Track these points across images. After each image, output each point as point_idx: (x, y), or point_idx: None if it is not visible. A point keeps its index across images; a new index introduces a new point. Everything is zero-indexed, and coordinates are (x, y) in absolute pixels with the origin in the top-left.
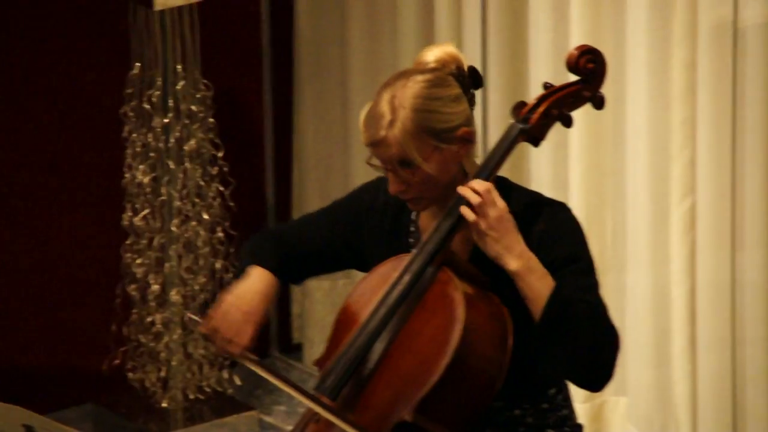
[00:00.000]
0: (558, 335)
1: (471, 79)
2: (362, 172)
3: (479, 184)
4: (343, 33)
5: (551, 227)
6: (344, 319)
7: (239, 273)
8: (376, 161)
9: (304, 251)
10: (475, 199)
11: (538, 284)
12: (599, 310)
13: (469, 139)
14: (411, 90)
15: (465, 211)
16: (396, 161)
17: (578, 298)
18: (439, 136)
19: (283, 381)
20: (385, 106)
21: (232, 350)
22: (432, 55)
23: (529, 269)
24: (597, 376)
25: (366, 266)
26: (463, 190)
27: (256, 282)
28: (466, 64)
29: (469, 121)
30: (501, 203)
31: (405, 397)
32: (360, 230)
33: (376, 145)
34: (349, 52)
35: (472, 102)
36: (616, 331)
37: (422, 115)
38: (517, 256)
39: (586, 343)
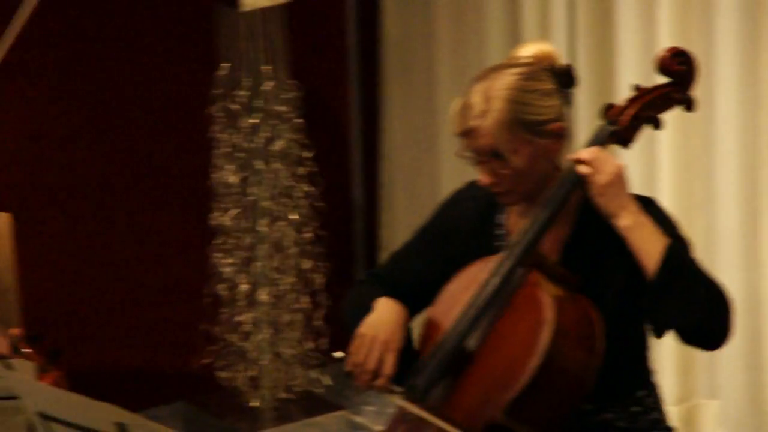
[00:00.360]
0: (675, 285)
1: (565, 77)
2: (450, 171)
3: (589, 149)
4: (429, 33)
5: None
6: (434, 321)
7: (351, 325)
8: (466, 153)
9: (408, 288)
10: (591, 155)
11: (653, 237)
12: (708, 273)
13: (561, 135)
14: (505, 81)
15: (583, 168)
16: (487, 152)
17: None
18: (531, 129)
19: (430, 413)
20: (478, 97)
21: (378, 383)
22: (527, 50)
23: (643, 223)
24: (714, 331)
25: None
26: (575, 154)
27: (386, 311)
28: (560, 63)
29: (561, 117)
30: (616, 162)
31: (495, 399)
32: (452, 248)
33: (467, 134)
34: (436, 52)
35: (567, 100)
36: (728, 294)
37: (515, 106)
38: (631, 213)
39: (702, 294)
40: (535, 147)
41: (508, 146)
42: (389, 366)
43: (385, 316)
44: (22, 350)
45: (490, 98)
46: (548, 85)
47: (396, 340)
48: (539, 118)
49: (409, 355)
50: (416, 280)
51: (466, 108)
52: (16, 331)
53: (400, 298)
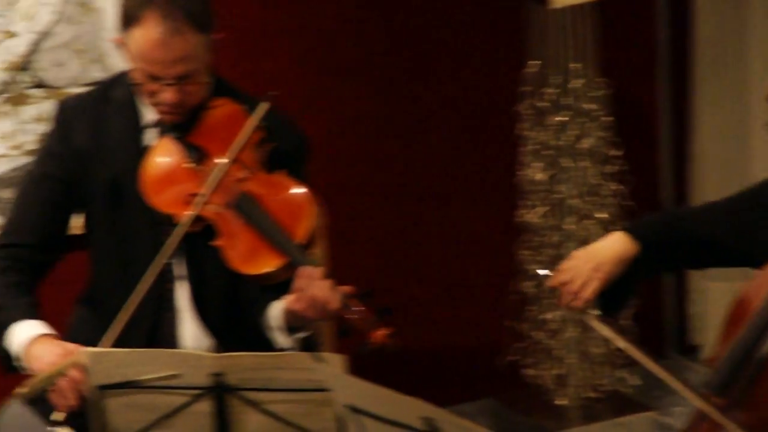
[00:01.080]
0: None
1: None
2: (763, 172)
3: None
4: (742, 31)
5: None
6: (734, 318)
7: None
8: None
9: (692, 237)
10: None
11: None
12: None
13: None
14: None
15: None
16: None
17: None
18: None
19: (725, 413)
20: None
21: (575, 304)
22: None
23: None
24: None
25: (758, 264)
26: None
27: (612, 243)
28: None
29: None
30: None
31: None
32: (755, 228)
33: None
34: (749, 50)
35: None
36: None
37: None
38: None
39: None
40: None
41: None
42: (590, 291)
43: (607, 247)
44: (354, 308)
45: None
46: None
47: (605, 270)
48: None
49: (620, 291)
50: (701, 239)
51: None
52: (347, 289)
53: (675, 245)
